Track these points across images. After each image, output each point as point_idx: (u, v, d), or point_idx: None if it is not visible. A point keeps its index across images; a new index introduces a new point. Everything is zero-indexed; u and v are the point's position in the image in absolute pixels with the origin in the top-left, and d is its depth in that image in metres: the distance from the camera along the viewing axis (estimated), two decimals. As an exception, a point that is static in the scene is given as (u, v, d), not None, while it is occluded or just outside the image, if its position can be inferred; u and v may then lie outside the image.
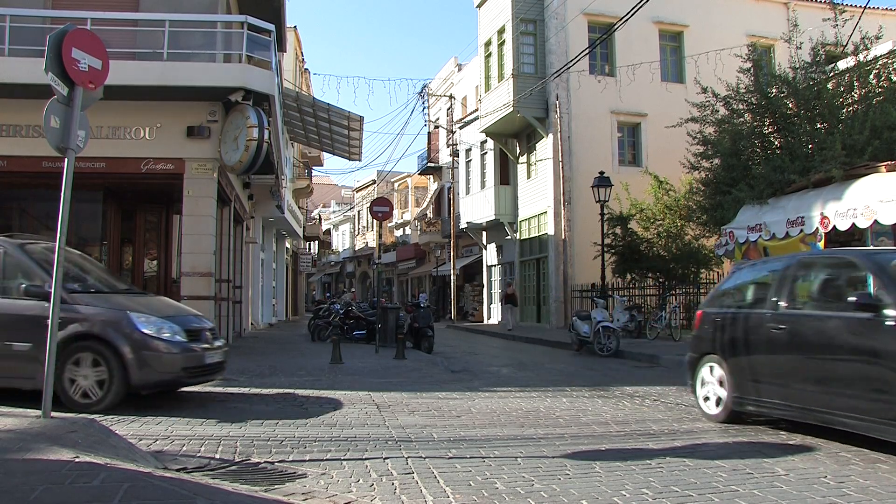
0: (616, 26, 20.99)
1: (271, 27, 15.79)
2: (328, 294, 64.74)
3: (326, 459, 6.31)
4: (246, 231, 24.83)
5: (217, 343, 9.75)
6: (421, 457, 6.39)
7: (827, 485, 5.55)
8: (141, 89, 14.61)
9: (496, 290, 37.22)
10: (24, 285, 8.56)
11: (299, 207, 40.41)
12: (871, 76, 15.99)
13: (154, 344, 8.69)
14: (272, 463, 6.12)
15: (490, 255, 37.85)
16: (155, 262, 18.40)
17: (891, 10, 30.15)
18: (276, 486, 5.28)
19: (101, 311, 8.75)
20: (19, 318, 8.56)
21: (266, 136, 15.38)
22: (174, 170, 15.61)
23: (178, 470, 5.54)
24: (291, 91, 24.75)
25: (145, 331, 8.69)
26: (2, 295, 8.86)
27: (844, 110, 15.80)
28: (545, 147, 30.02)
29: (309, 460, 6.27)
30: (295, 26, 35.86)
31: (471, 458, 6.40)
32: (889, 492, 5.36)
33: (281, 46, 21.69)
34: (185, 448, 6.64)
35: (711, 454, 6.56)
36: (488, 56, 33.04)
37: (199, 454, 6.39)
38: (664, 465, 6.18)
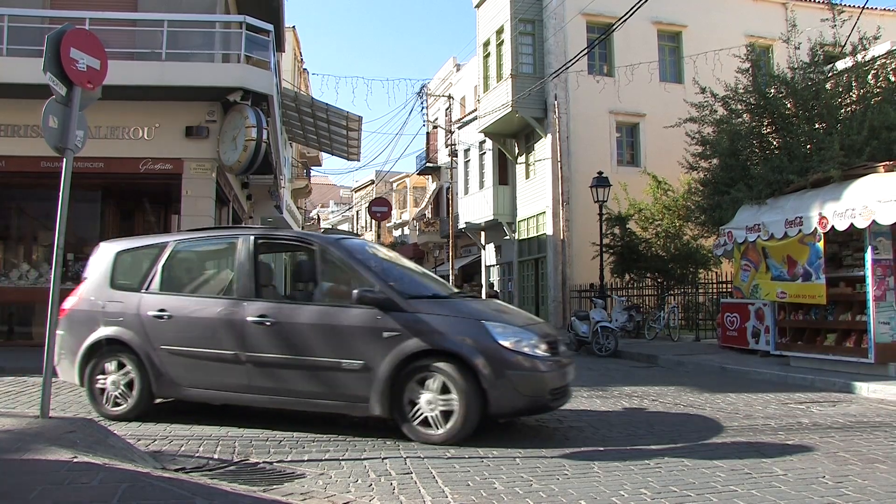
0: (615, 26, 20.99)
1: (270, 27, 15.81)
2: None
3: (325, 459, 6.32)
4: (244, 231, 24.78)
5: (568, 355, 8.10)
6: (419, 457, 6.39)
7: (825, 484, 5.55)
8: (139, 89, 14.63)
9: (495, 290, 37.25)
10: (356, 290, 7.23)
11: (298, 207, 40.45)
12: (870, 76, 16.00)
13: (516, 360, 7.05)
14: (270, 463, 6.12)
15: (489, 255, 37.84)
16: (153, 263, 18.34)
17: (889, 10, 30.19)
18: (274, 487, 5.28)
19: (447, 320, 7.23)
20: (347, 329, 7.27)
21: (265, 137, 15.40)
22: (173, 170, 15.63)
23: (176, 470, 5.54)
24: (290, 91, 24.78)
25: (505, 343, 7.06)
26: (321, 301, 7.81)
27: (843, 111, 15.81)
28: (544, 147, 30.02)
29: (307, 460, 6.27)
30: (294, 26, 35.93)
31: (469, 458, 6.40)
32: (887, 492, 5.37)
33: (279, 46, 21.71)
34: (183, 448, 6.64)
35: (710, 454, 6.56)
36: (487, 56, 33.04)
37: (197, 454, 6.39)
38: (662, 465, 6.18)
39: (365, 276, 7.54)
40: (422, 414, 6.99)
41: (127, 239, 9.55)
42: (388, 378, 6.97)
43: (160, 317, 7.99)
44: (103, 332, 8.21)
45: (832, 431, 7.75)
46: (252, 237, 8.14)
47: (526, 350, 7.10)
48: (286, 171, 28.01)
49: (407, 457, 6.39)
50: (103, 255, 8.91)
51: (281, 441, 7.02)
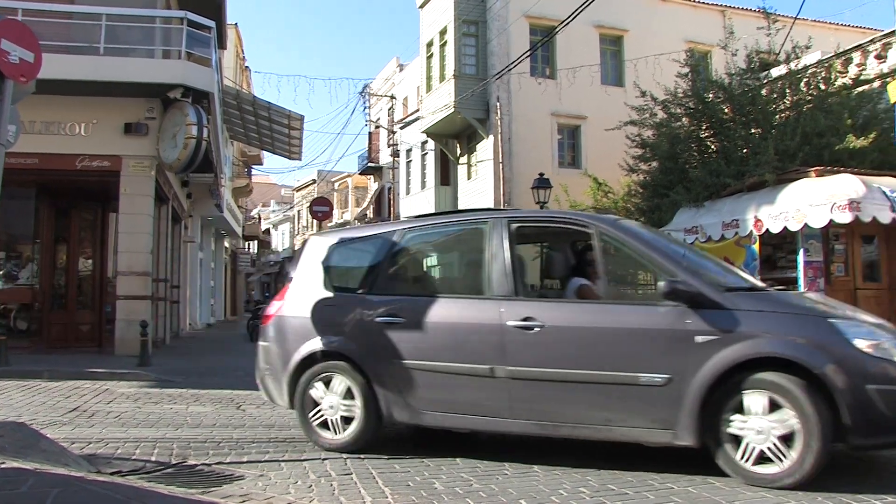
0: (557, 29, 21.14)
1: (212, 24, 15.65)
2: (267, 294, 64.12)
3: (265, 461, 6.26)
4: (184, 230, 24.52)
5: None
6: (360, 458, 6.37)
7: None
8: (76, 84, 14.36)
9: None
10: (664, 282, 5.70)
11: (239, 206, 40.05)
12: (802, 84, 16.37)
13: (882, 370, 5.34)
14: (209, 465, 6.05)
15: (431, 255, 37.75)
16: (90, 262, 18.04)
17: (819, 21, 30.89)
18: (212, 489, 5.22)
19: (778, 318, 5.63)
20: (647, 333, 5.86)
21: (205, 135, 15.21)
22: (111, 167, 15.36)
23: (111, 473, 5.44)
24: (232, 89, 24.53)
25: (863, 346, 5.37)
26: (607, 300, 6.42)
27: (777, 116, 16.14)
28: (486, 148, 30.11)
29: (247, 462, 6.21)
30: (236, 23, 35.55)
31: (410, 458, 6.39)
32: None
33: (221, 44, 21.46)
34: (119, 451, 6.52)
35: (648, 453, 6.62)
36: (430, 57, 33.02)
37: (133, 457, 6.28)
38: (602, 463, 6.22)
39: (665, 264, 6.05)
40: (750, 447, 5.43)
41: (343, 230, 8.57)
42: (702, 396, 5.50)
43: (390, 323, 6.63)
44: (318, 343, 6.88)
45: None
46: (506, 220, 6.72)
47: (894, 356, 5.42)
48: (227, 170, 27.72)
49: (347, 458, 6.36)
50: (314, 251, 7.54)
51: (220, 443, 6.94)
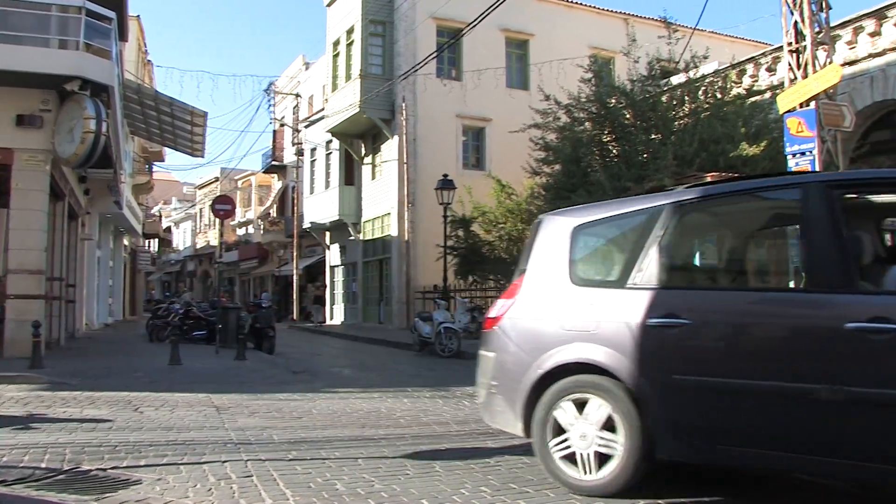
0: (464, 31, 21.35)
1: (112, 14, 15.23)
2: (167, 293, 62.89)
3: (163, 464, 6.12)
4: (81, 227, 23.82)
5: None
6: (261, 459, 6.30)
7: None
8: (-36, 73, 13.82)
9: (339, 291, 37.25)
10: None
11: (139, 204, 39.03)
12: (700, 93, 16.93)
13: None
14: (104, 470, 5.87)
15: (333, 255, 37.70)
16: (-22, 258, 17.37)
17: (716, 33, 31.94)
18: (108, 495, 5.08)
19: None
20: None
21: (104, 129, 14.78)
22: (1, 160, 14.80)
23: (-2, 481, 5.25)
24: (133, 83, 23.91)
25: None
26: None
27: (676, 123, 16.62)
28: (390, 148, 30.15)
29: (144, 465, 6.06)
30: (138, 15, 34.63)
31: (311, 459, 6.36)
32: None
33: (122, 35, 20.89)
34: (6, 458, 6.25)
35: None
36: (336, 55, 32.91)
37: (22, 464, 6.03)
38: (503, 462, 6.31)
39: None
40: None
41: (587, 207, 6.45)
42: None
43: (668, 326, 5.03)
44: (567, 353, 5.38)
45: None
46: (824, 185, 4.94)
47: None
48: (127, 166, 26.95)
49: (248, 459, 6.27)
50: (552, 235, 5.97)
51: (116, 446, 6.75)
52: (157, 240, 61.89)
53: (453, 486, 5.51)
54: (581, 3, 33.39)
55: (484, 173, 27.90)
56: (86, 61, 14.74)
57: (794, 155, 11.75)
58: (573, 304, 5.52)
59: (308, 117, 39.97)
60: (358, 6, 30.40)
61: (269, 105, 42.53)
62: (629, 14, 32.57)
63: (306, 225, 37.69)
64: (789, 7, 12.23)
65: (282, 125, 45.45)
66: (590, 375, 5.24)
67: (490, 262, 24.68)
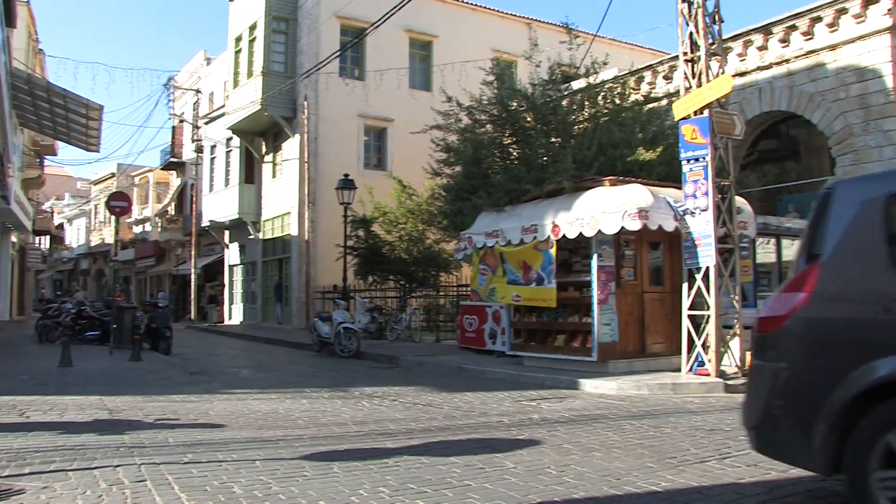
0: (368, 31, 21.24)
1: (-2, 0, 14.66)
2: (59, 292, 60.88)
3: (50, 471, 5.86)
4: (-37, 221, 22.88)
5: None
6: (155, 463, 6.12)
7: (550, 474, 5.87)
8: None
9: (238, 290, 36.72)
10: None
11: (29, 199, 37.67)
12: (599, 98, 17.21)
13: None
14: (-17, 477, 5.62)
15: (232, 254, 37.13)
16: None
17: (616, 40, 32.64)
18: (-16, 504, 4.86)
19: None
20: None
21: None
22: None
23: None
24: (23, 72, 23.05)
25: None
26: None
27: (576, 127, 16.85)
28: (292, 147, 29.85)
29: (29, 473, 5.79)
30: (28, 1, 33.46)
31: (208, 462, 6.21)
32: (601, 476, 5.77)
33: (10, 21, 20.12)
34: None
35: (446, 451, 6.73)
36: (238, 52, 32.44)
37: None
38: (401, 463, 6.28)
39: None
40: None
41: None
42: None
43: None
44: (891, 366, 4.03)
45: (558, 425, 8.20)
46: None
47: None
48: (15, 159, 26.01)
49: (142, 463, 6.09)
50: (857, 208, 4.63)
51: (-3, 451, 6.47)
52: (48, 237, 59.80)
53: (352, 487, 5.46)
54: (485, 7, 33.65)
55: (385, 174, 27.84)
56: (-30, 47, 14.17)
57: (688, 161, 12.07)
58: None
59: (208, 114, 39.25)
60: (261, 2, 30.00)
61: (169, 100, 41.70)
62: (532, 18, 33.05)
63: (205, 223, 37.00)
64: (685, 18, 12.55)
65: (181, 121, 44.56)
66: None
67: (390, 262, 24.62)
